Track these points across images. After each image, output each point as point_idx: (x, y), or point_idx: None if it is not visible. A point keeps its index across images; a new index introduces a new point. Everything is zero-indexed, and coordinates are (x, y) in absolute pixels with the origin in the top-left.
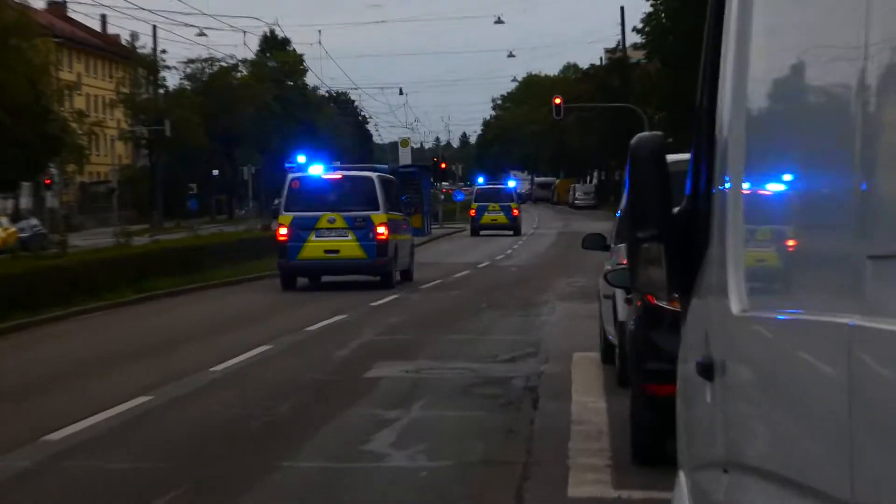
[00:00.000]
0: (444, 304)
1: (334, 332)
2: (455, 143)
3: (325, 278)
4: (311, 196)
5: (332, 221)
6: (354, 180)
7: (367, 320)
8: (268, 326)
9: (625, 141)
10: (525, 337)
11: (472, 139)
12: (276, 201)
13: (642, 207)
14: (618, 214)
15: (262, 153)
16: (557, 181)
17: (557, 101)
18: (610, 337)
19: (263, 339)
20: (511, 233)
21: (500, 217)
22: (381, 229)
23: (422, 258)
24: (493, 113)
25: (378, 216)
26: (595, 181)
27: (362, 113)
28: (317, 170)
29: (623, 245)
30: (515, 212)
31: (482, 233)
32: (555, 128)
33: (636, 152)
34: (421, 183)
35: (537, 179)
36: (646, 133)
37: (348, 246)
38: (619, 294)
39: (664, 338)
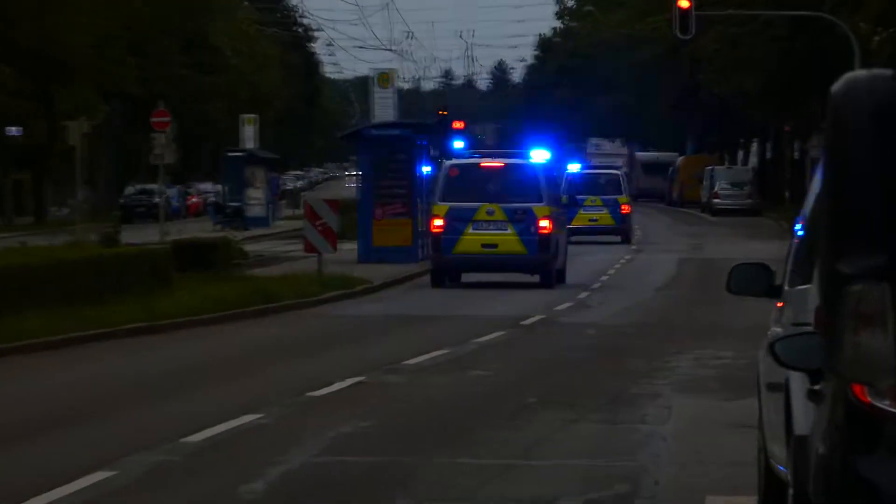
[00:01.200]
0: (455, 396)
1: (231, 449)
2: (483, 84)
3: (464, 277)
4: (469, 185)
5: (490, 213)
6: (516, 169)
7: (303, 424)
8: (101, 434)
9: (815, 84)
10: (613, 464)
11: (517, 75)
12: (122, 188)
13: (853, 216)
14: (798, 228)
15: (107, 96)
16: (680, 159)
17: (684, 3)
18: (779, 467)
19: (101, 459)
20: (618, 239)
21: (604, 216)
22: (544, 223)
23: (416, 308)
24: (557, 26)
25: (541, 208)
26: (754, 162)
27: (302, 19)
28: (459, 144)
29: (808, 288)
30: (625, 208)
31: (573, 238)
32: (677, 55)
33: (843, 108)
34: (412, 159)
35: (640, 156)
36: (859, 72)
37: (508, 240)
38: (798, 383)
39: (887, 471)
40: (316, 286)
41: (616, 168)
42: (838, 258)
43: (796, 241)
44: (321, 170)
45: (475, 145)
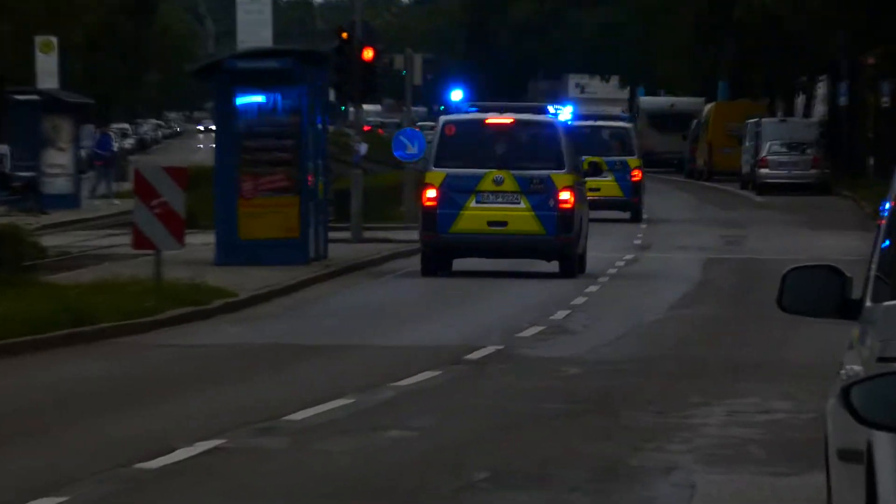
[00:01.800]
0: (362, 470)
1: None
2: None
3: (458, 263)
4: (471, 147)
5: (498, 182)
6: (531, 127)
7: None
8: None
9: None
10: None
11: None
12: None
13: None
14: (886, 212)
15: None
16: (708, 108)
17: None
18: None
19: None
20: (627, 215)
21: (609, 185)
22: (566, 195)
23: (307, 333)
24: None
25: (561, 177)
26: (821, 112)
27: None
28: (457, 95)
29: None
30: (636, 174)
31: None
32: None
33: None
34: (300, 106)
35: (647, 103)
36: None
37: (520, 217)
38: (886, 449)
39: None
40: (152, 300)
41: (622, 119)
42: None
43: (884, 231)
44: (159, 122)
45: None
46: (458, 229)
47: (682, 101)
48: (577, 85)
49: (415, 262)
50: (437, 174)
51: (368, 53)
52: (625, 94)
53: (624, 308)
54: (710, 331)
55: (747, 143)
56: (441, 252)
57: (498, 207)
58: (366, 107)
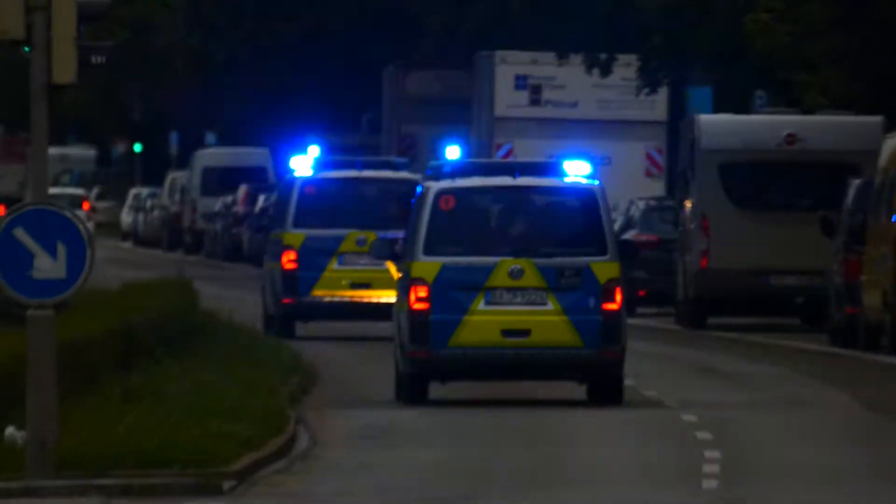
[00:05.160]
0: None
1: None
2: None
3: (316, 327)
4: (331, 207)
5: (361, 243)
6: (391, 185)
7: None
8: None
9: None
10: None
11: None
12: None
13: None
14: None
15: None
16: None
17: None
18: None
19: None
20: (580, 390)
21: (545, 321)
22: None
23: None
24: None
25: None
26: None
27: None
28: (304, 162)
29: None
30: (613, 296)
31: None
32: None
33: None
34: None
35: (709, 126)
36: None
37: (385, 278)
38: None
39: None
40: None
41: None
42: None
43: None
44: None
45: None
46: (319, 292)
47: (803, 124)
48: (520, 82)
49: None
50: (297, 235)
51: None
52: (655, 109)
53: None
54: None
55: None
56: (301, 316)
57: (362, 269)
58: None
